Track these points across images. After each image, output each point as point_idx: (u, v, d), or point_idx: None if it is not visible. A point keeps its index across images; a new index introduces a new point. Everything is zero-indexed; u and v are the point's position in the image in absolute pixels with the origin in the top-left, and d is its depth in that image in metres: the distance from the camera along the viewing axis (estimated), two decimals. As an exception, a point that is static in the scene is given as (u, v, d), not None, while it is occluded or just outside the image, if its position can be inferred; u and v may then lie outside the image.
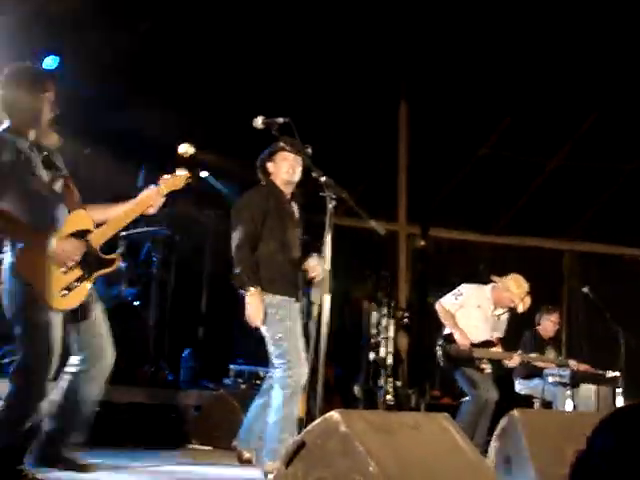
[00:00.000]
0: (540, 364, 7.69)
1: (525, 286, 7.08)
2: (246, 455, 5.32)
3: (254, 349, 7.80)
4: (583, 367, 7.81)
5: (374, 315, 9.34)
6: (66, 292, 3.78)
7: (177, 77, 8.30)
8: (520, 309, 7.15)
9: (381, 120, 10.29)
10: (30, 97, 3.85)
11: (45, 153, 3.93)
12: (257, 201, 5.03)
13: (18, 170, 3.77)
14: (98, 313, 4.06)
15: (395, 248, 10.89)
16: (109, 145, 7.92)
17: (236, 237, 4.92)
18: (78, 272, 3.83)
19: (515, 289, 7.04)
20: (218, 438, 6.24)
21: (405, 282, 10.80)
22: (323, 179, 4.18)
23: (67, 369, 4.06)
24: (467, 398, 6.96)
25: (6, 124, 3.88)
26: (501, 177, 10.70)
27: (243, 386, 7.57)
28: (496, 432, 3.74)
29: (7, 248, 3.85)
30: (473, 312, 7.08)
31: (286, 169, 5.07)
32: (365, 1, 8.64)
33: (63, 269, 3.78)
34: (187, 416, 6.81)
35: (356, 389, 8.73)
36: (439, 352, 7.10)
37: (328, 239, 4.02)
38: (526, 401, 7.77)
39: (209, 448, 6.35)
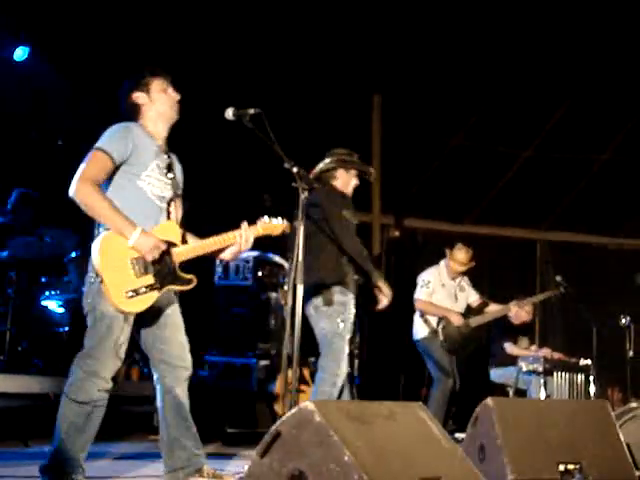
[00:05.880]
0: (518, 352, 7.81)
1: (469, 251, 7.47)
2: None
3: (228, 340, 7.83)
4: (556, 355, 7.88)
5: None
6: (133, 295, 3.65)
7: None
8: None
9: (354, 111, 10.27)
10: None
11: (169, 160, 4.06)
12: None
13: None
14: (172, 320, 4.03)
15: (369, 239, 10.90)
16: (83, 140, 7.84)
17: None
18: (150, 279, 3.73)
19: (464, 256, 7.42)
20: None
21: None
22: (295, 170, 4.16)
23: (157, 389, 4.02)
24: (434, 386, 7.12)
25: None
26: (474, 167, 10.75)
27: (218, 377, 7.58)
28: (470, 420, 3.76)
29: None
30: (440, 294, 7.37)
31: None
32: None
33: (136, 272, 3.68)
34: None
35: None
36: (453, 334, 7.25)
37: (300, 231, 4.01)
38: (500, 389, 7.82)
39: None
